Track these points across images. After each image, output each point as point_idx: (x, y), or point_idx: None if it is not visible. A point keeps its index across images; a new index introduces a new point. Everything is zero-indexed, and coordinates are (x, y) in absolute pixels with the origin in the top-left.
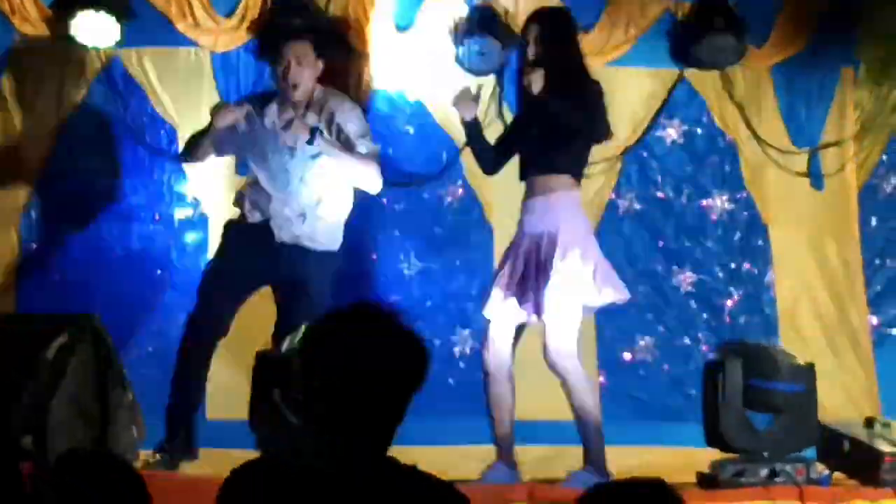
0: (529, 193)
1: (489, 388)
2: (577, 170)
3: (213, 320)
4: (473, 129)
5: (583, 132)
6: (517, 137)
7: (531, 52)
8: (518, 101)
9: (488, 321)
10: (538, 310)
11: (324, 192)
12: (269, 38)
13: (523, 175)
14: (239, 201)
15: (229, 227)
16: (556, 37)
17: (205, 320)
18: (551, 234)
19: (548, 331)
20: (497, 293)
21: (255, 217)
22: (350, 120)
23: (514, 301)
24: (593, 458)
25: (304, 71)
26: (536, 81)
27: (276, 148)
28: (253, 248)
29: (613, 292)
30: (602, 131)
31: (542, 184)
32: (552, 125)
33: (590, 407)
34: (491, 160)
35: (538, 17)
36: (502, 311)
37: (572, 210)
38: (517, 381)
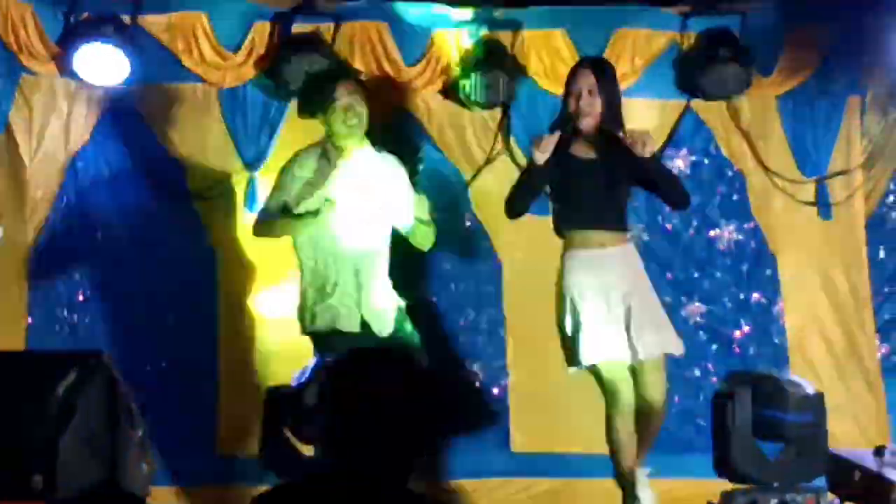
0: (579, 244)
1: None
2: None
3: None
4: (538, 174)
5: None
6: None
7: (586, 102)
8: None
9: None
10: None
11: None
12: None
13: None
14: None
15: None
16: (611, 89)
17: None
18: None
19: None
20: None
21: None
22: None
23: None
24: None
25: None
26: (648, 143)
27: None
28: None
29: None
30: (687, 199)
31: (597, 237)
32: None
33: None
34: (528, 207)
35: (591, 65)
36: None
37: (637, 261)
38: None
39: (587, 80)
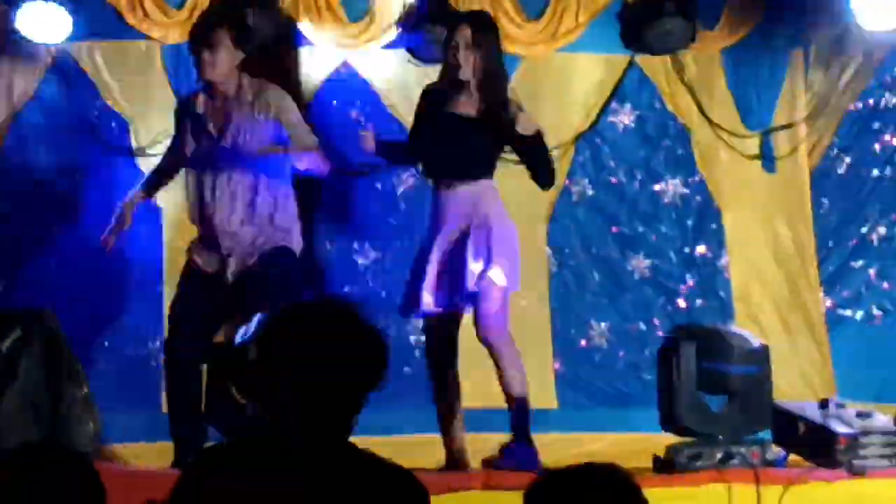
0: (444, 185)
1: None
2: (491, 171)
3: (189, 350)
4: (385, 150)
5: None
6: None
7: (462, 57)
8: (430, 108)
9: (426, 314)
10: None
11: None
12: (197, 28)
13: (433, 174)
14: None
15: (186, 277)
16: (489, 42)
17: (182, 351)
18: (478, 222)
19: (481, 311)
20: (429, 285)
21: (212, 265)
22: (292, 111)
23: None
24: (520, 431)
25: (219, 58)
26: (529, 126)
27: (217, 151)
28: (212, 290)
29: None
30: (552, 181)
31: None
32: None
33: (518, 381)
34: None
35: (469, 18)
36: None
37: (494, 197)
38: (467, 370)
39: (464, 34)
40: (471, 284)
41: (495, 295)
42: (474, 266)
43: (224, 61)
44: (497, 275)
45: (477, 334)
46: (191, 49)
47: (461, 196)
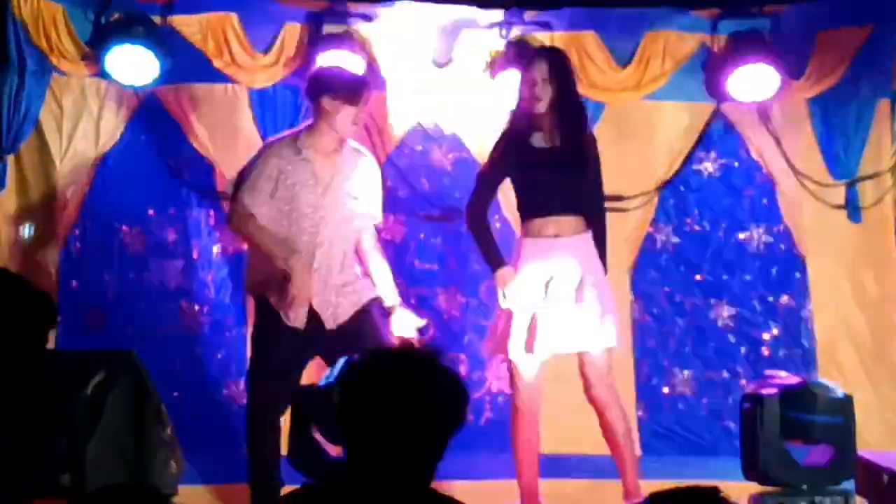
0: (536, 233)
1: (519, 429)
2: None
3: (270, 404)
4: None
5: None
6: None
7: (540, 90)
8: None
9: (513, 360)
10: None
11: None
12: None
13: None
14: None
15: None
16: (566, 81)
17: (264, 404)
18: (574, 273)
19: (588, 362)
20: (519, 331)
21: (301, 320)
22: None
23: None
24: (631, 491)
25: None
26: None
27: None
28: (300, 343)
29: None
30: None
31: (554, 225)
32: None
33: (626, 439)
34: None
35: (546, 54)
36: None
37: (590, 250)
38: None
39: (541, 69)
40: (583, 341)
41: (606, 355)
42: (587, 320)
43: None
44: (610, 333)
45: (587, 391)
46: (350, 101)
47: (570, 245)
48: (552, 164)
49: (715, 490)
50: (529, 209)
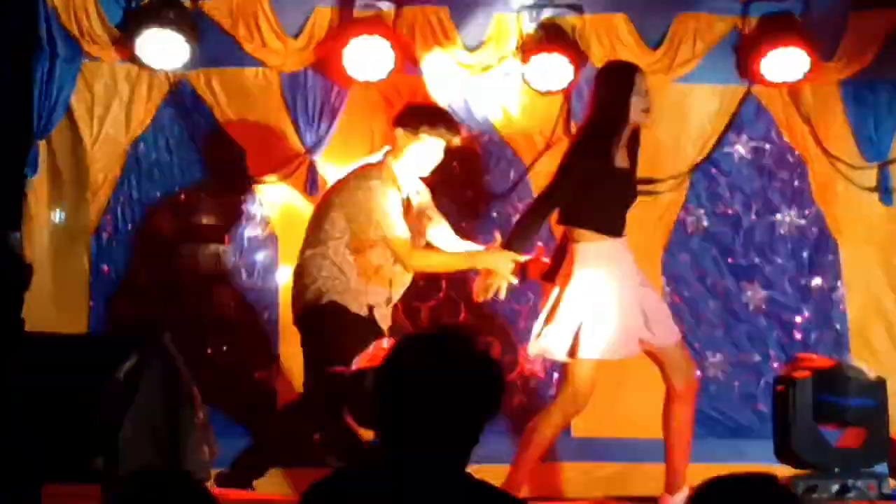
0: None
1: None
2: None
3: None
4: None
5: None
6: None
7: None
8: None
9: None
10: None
11: None
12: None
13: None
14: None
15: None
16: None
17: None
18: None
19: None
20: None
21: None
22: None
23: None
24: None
25: None
26: None
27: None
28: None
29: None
30: None
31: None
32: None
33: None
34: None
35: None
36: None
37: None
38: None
39: (644, 81)
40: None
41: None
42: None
43: None
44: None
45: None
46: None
47: (628, 250)
48: (630, 189)
49: (773, 477)
50: (595, 226)
